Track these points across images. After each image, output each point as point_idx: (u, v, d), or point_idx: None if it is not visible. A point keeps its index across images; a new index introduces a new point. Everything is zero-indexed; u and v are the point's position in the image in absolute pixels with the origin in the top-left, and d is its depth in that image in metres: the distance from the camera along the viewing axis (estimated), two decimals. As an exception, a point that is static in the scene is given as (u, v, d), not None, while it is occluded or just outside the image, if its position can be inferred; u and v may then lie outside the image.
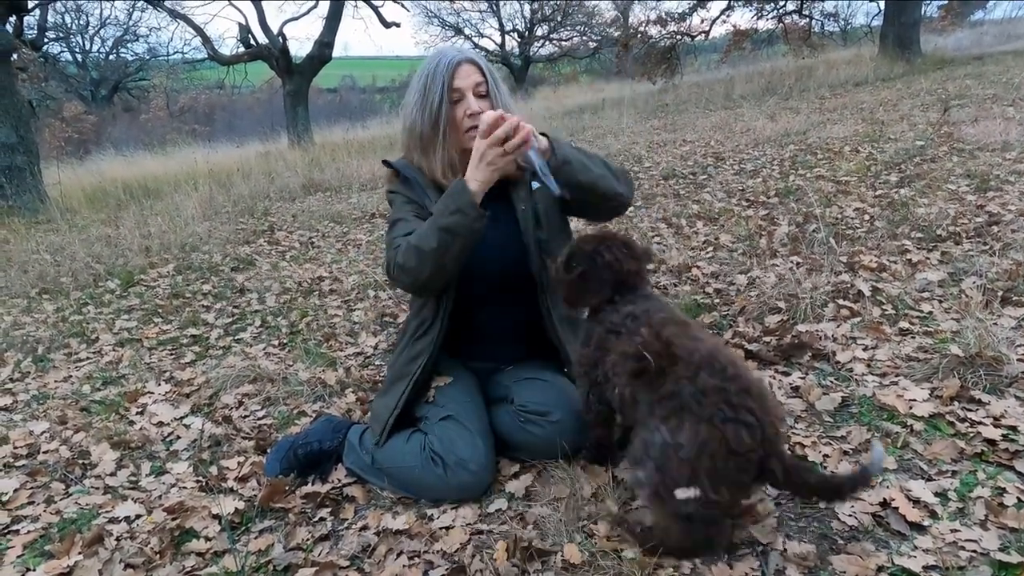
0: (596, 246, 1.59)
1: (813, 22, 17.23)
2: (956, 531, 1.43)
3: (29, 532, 1.79)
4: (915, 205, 3.73)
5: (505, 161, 1.58)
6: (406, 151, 1.85)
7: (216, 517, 1.74)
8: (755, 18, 17.18)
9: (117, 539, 1.70)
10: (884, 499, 1.54)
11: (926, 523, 1.47)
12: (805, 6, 16.72)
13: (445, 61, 1.70)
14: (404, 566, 1.52)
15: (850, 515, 1.51)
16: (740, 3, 16.66)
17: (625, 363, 1.37)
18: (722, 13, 16.92)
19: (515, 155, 1.56)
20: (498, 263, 1.81)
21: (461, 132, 1.74)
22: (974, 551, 1.37)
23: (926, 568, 1.33)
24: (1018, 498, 1.50)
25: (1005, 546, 1.38)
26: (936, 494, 1.55)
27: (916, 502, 1.53)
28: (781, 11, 16.87)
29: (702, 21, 17.38)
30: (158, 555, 1.62)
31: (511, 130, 1.53)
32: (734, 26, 17.61)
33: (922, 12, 14.87)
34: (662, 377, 1.30)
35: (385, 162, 1.91)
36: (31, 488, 2.01)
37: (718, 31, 17.91)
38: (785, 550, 1.43)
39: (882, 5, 15.21)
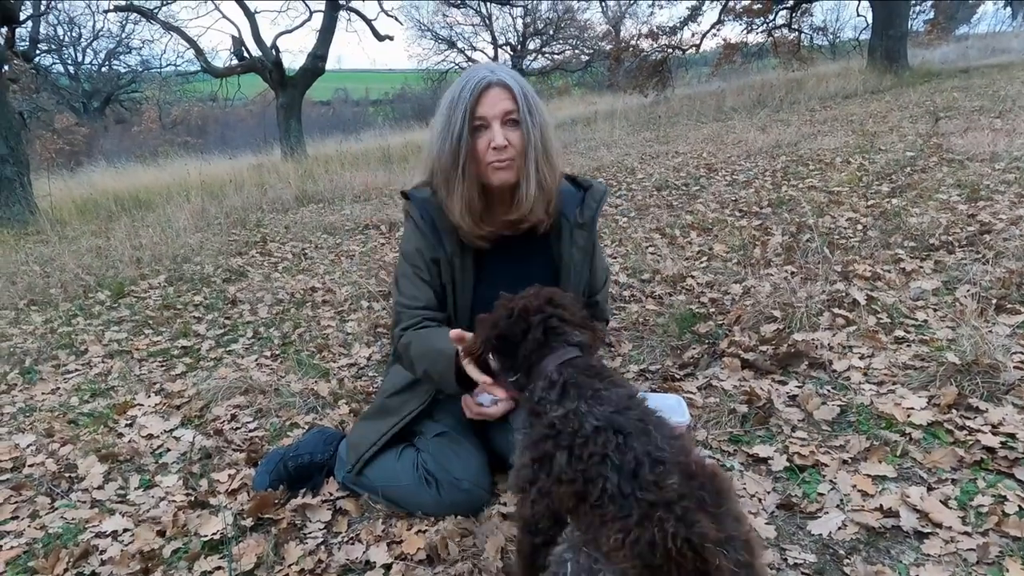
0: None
1: (802, 36, 17.45)
2: (957, 540, 1.41)
3: (12, 548, 1.74)
4: (907, 215, 3.75)
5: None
6: (431, 177, 1.62)
7: (205, 532, 1.71)
8: (745, 32, 17.40)
9: (103, 554, 1.66)
10: (881, 506, 1.53)
11: (927, 532, 1.45)
12: (794, 20, 16.95)
13: (472, 84, 1.49)
14: (398, 580, 1.50)
15: (851, 524, 1.50)
16: (730, 17, 16.86)
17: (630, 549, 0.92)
18: (713, 27, 17.10)
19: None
20: None
21: (483, 165, 1.53)
22: (977, 560, 1.36)
23: (929, 578, 1.32)
24: (1019, 506, 1.49)
25: (1007, 554, 1.37)
26: (937, 502, 1.53)
27: (916, 511, 1.52)
28: (771, 25, 17.09)
29: (693, 35, 17.55)
30: (144, 571, 1.59)
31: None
32: (724, 40, 17.82)
33: (909, 26, 15.09)
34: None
35: (403, 194, 1.71)
36: (15, 502, 1.96)
37: (709, 45, 17.96)
38: (785, 560, 1.42)
39: (870, 19, 15.44)
